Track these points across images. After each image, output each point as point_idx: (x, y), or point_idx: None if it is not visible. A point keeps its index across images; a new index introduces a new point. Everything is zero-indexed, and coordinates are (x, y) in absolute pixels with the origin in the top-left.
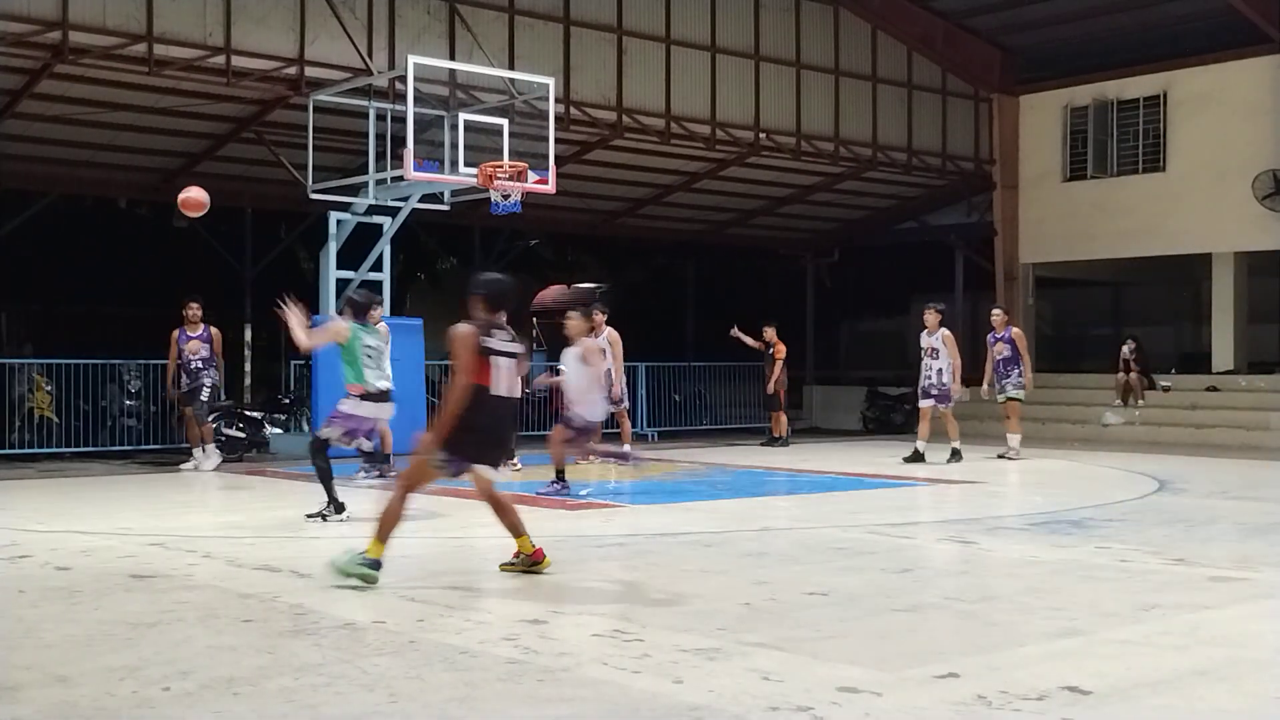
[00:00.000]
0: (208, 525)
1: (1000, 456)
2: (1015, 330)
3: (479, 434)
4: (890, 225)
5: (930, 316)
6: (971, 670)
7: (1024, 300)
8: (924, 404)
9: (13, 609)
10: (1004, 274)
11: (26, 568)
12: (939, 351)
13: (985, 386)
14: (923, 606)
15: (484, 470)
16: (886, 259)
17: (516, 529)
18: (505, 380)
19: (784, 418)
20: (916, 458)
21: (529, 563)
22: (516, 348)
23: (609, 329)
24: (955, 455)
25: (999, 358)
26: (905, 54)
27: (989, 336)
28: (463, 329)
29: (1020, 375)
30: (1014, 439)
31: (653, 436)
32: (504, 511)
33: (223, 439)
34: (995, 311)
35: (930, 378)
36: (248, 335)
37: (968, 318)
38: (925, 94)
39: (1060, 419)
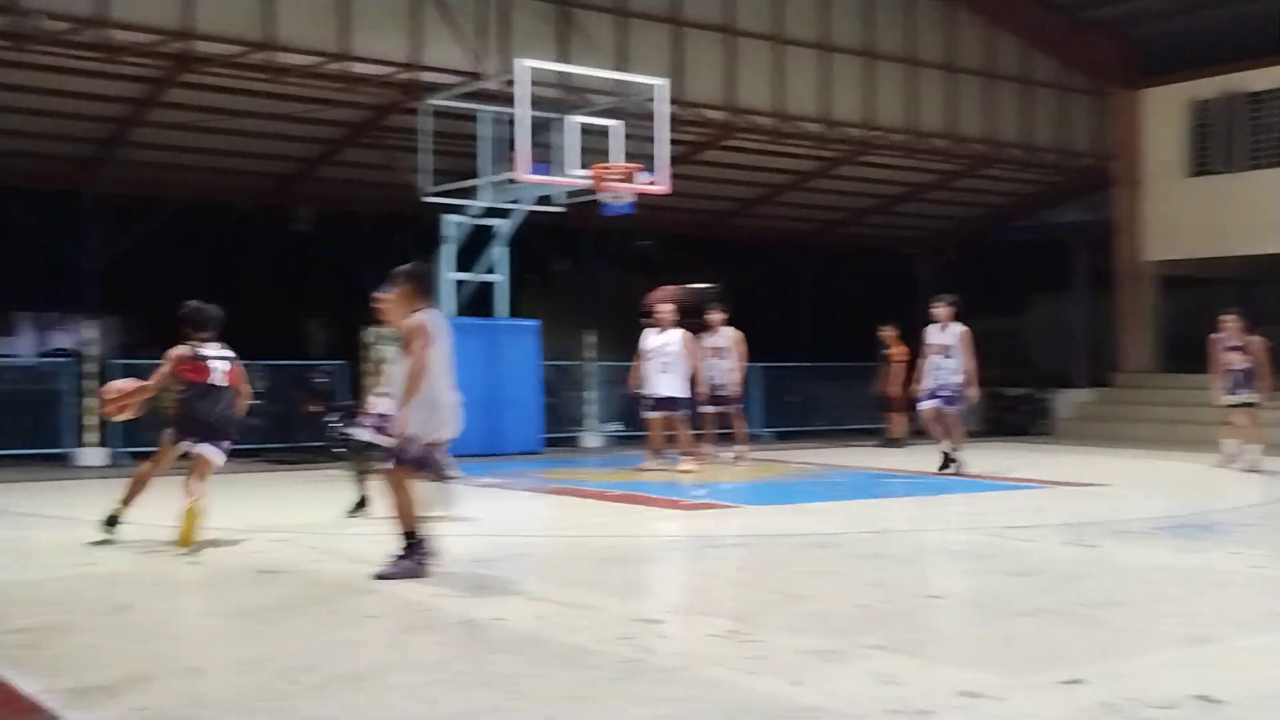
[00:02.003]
0: (332, 522)
1: (1251, 470)
2: (1257, 339)
3: (199, 418)
4: (1007, 223)
5: (942, 310)
6: (1097, 677)
7: (1148, 299)
8: (928, 405)
9: (146, 602)
10: (1125, 272)
11: (160, 562)
12: (952, 349)
13: (1223, 395)
14: (1046, 611)
15: (203, 449)
16: (1003, 257)
17: (131, 497)
18: (219, 377)
19: (901, 419)
20: (948, 463)
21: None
22: (226, 353)
23: (729, 328)
24: (949, 462)
25: (1240, 367)
26: (1022, 49)
27: (1217, 339)
28: (178, 349)
29: (1259, 382)
30: (1256, 448)
31: (768, 437)
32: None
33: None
34: (1230, 316)
35: (941, 378)
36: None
37: (1088, 317)
38: (1043, 89)
39: (1187, 421)
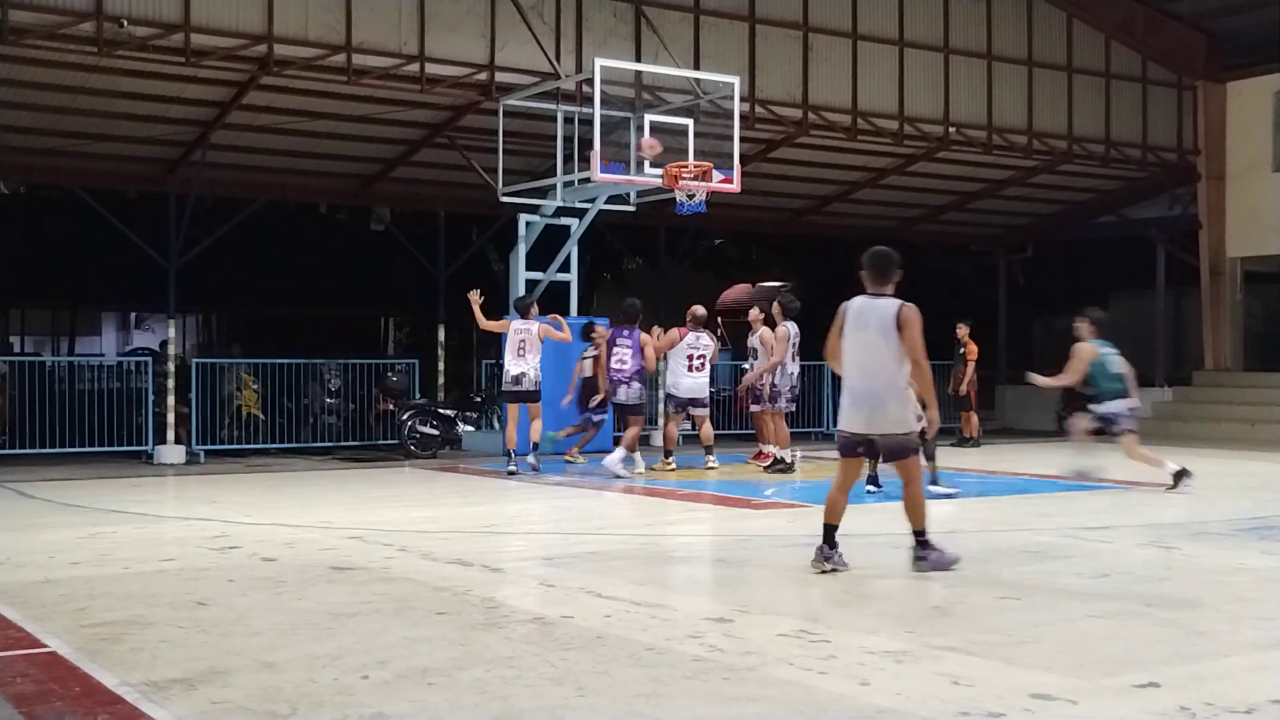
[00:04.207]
0: (404, 520)
1: None
2: None
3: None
4: (1087, 219)
5: (754, 311)
6: (1174, 680)
7: (1231, 296)
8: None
9: (223, 597)
10: (1209, 269)
11: (235, 558)
12: (759, 352)
13: None
14: (1121, 613)
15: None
16: (1083, 254)
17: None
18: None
19: (975, 418)
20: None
21: None
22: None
23: (765, 328)
24: (778, 462)
25: None
26: (1103, 42)
27: None
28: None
29: None
30: None
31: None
32: None
33: (417, 436)
34: None
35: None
36: (441, 335)
37: (1170, 315)
38: (1124, 83)
39: (1271, 420)
